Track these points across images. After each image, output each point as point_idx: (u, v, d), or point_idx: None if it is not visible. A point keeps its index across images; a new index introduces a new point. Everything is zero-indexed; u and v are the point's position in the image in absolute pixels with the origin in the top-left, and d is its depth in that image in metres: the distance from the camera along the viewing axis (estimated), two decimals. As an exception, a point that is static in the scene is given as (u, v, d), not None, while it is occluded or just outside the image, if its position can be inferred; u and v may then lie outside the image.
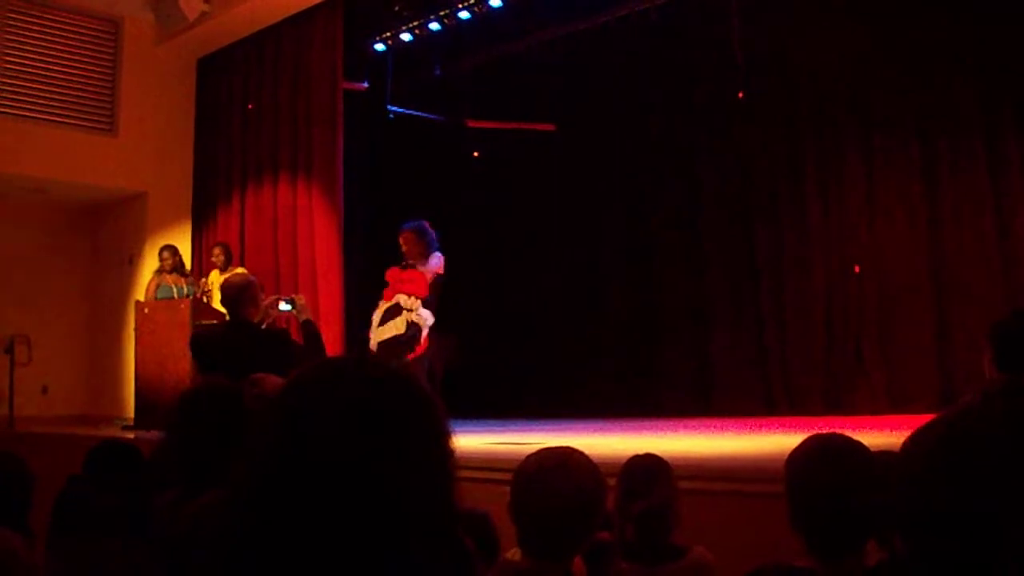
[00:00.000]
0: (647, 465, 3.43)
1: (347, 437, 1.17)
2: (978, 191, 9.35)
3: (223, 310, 6.33)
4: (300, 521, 1.15)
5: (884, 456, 2.49)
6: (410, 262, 8.27)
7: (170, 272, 10.69)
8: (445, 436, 1.26)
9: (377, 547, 1.15)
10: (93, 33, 11.85)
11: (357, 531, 1.15)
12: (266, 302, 6.11)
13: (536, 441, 6.80)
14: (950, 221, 9.52)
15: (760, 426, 8.68)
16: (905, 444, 2.04)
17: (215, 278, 10.38)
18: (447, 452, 1.25)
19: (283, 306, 6.13)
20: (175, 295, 10.38)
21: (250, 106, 11.64)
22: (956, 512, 1.86)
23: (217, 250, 10.86)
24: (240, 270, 10.27)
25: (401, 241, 8.33)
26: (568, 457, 2.56)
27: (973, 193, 9.38)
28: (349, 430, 1.18)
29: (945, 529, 1.87)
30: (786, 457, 2.54)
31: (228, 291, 5.94)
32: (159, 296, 10.42)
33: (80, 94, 11.70)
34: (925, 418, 2.07)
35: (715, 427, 8.78)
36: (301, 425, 1.20)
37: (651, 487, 3.27)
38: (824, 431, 2.62)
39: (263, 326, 5.95)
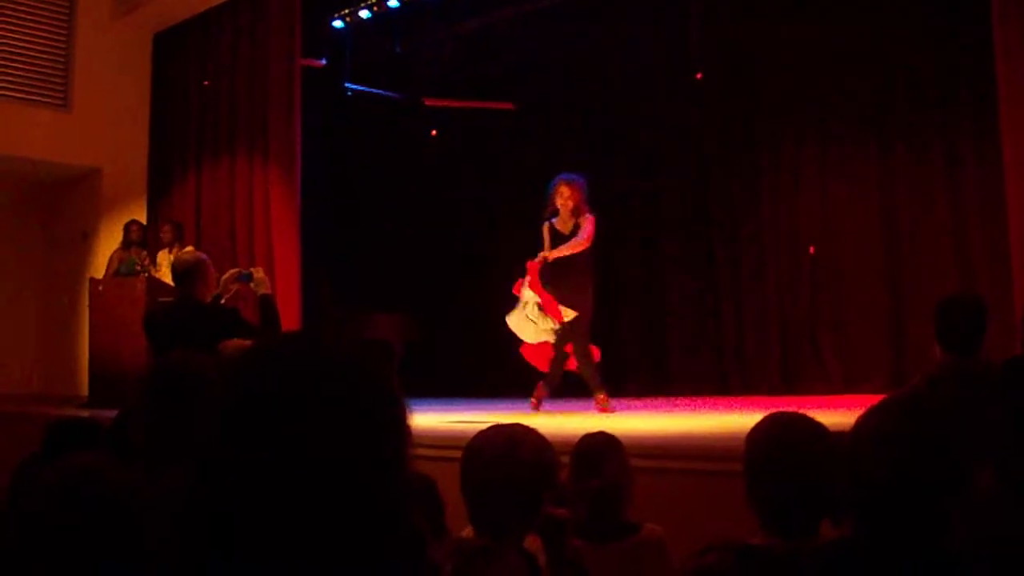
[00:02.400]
0: (599, 443, 3.47)
1: (286, 416, 1.17)
2: (933, 178, 9.43)
3: (178, 286, 6.29)
4: (240, 506, 1.14)
5: (840, 436, 2.53)
6: (575, 220, 8.28)
7: (139, 246, 10.62)
8: (395, 415, 1.26)
9: (321, 532, 1.15)
10: (47, 7, 11.69)
11: (297, 514, 1.14)
12: (225, 276, 6.08)
13: (492, 419, 6.82)
14: (904, 207, 9.60)
15: (715, 406, 8.74)
16: (854, 426, 2.08)
17: (163, 257, 10.33)
18: (396, 432, 1.25)
19: (243, 279, 6.09)
20: (138, 270, 10.31)
21: (206, 83, 11.55)
22: (902, 492, 1.90)
23: (167, 227, 10.79)
24: (189, 248, 10.22)
25: (562, 191, 8.32)
26: (516, 434, 2.57)
27: (928, 179, 9.46)
28: (288, 409, 1.17)
29: (891, 508, 1.91)
30: (741, 436, 2.57)
31: (177, 269, 5.92)
32: (122, 270, 10.33)
33: (34, 68, 11.56)
34: (877, 398, 2.11)
35: (670, 407, 8.85)
36: (241, 403, 1.19)
37: (602, 465, 3.30)
38: (783, 410, 2.65)
39: (222, 300, 5.93)
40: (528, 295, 8.41)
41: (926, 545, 1.88)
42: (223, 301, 5.95)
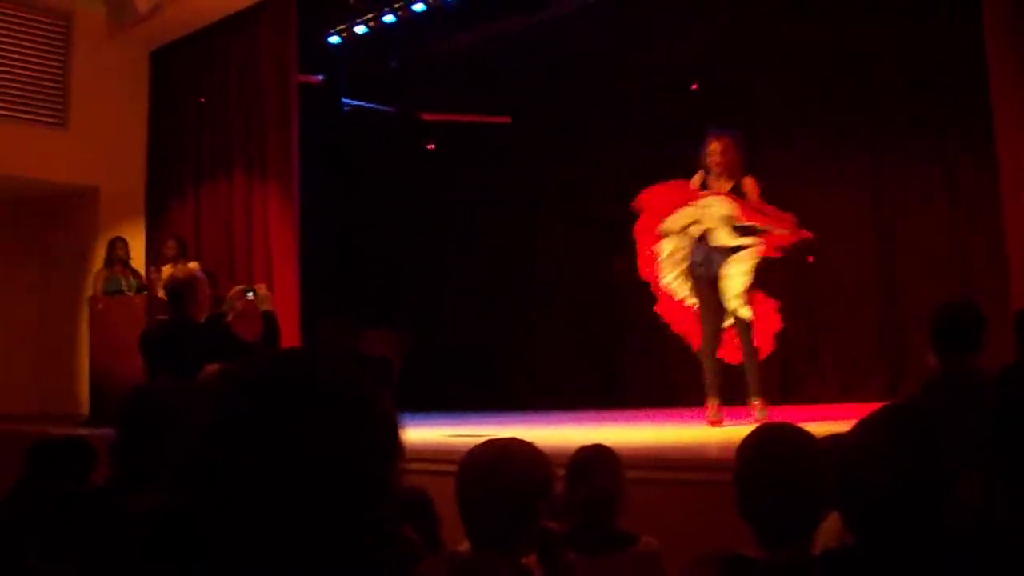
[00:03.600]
0: (591, 454, 3.48)
1: (277, 429, 1.18)
2: (928, 184, 9.45)
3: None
4: (228, 518, 1.15)
5: (831, 443, 2.53)
6: (733, 182, 7.12)
7: (123, 264, 10.63)
8: (387, 430, 1.26)
9: (309, 542, 1.15)
10: (44, 26, 11.71)
11: (286, 525, 1.15)
12: (230, 293, 6.10)
13: (490, 433, 6.82)
14: (899, 213, 9.63)
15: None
16: (851, 433, 2.09)
17: (167, 272, 10.34)
18: (387, 446, 1.26)
19: (249, 296, 6.11)
20: (123, 288, 10.33)
21: (201, 100, 11.57)
22: (899, 500, 1.91)
23: (171, 242, 10.81)
24: (193, 264, 10.22)
25: (713, 148, 7.26)
26: (510, 447, 2.58)
27: (923, 186, 9.48)
28: (280, 422, 1.18)
29: (888, 517, 1.92)
30: (736, 446, 2.57)
31: (169, 289, 5.93)
32: (107, 289, 10.35)
33: (30, 88, 11.56)
34: (874, 406, 2.12)
35: (668, 417, 8.84)
36: (235, 414, 1.20)
37: (593, 475, 3.31)
38: (774, 421, 2.65)
39: (228, 318, 5.93)
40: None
41: (920, 552, 1.88)
42: (229, 319, 5.96)
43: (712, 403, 7.27)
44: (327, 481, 1.17)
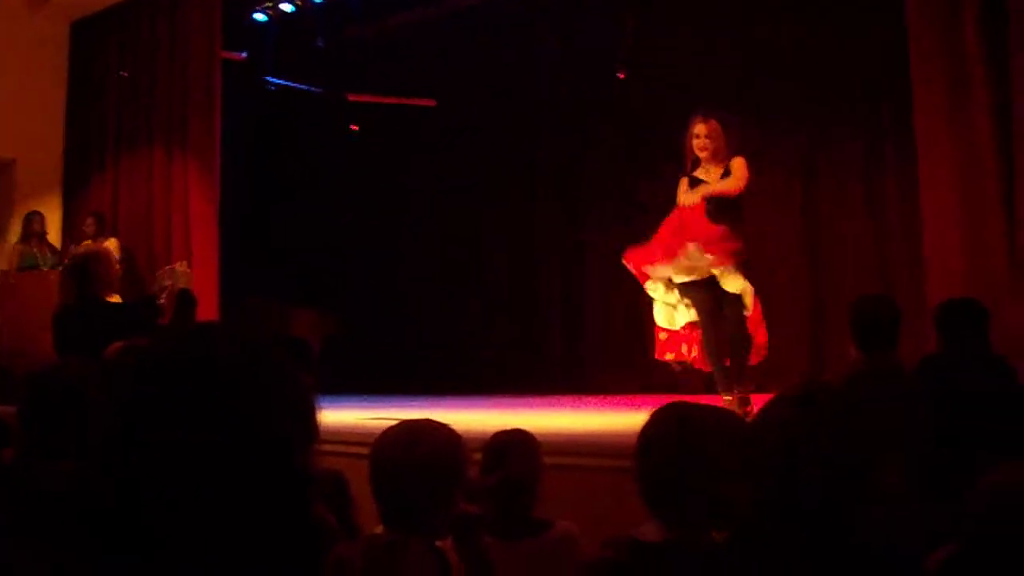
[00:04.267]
0: (508, 439, 3.46)
1: (180, 407, 1.14)
2: (854, 184, 9.61)
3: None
4: (131, 497, 1.12)
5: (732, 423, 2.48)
6: (724, 165, 6.60)
7: (39, 239, 10.43)
8: (301, 409, 1.23)
9: (219, 525, 1.13)
10: (-41, -6, 11.41)
11: (197, 506, 1.12)
12: (158, 273, 6.00)
13: (409, 416, 6.78)
14: (825, 211, 9.76)
15: (637, 404, 8.78)
16: (756, 416, 2.08)
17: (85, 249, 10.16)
18: (301, 425, 1.23)
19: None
20: (39, 263, 10.13)
21: (124, 73, 11.35)
22: (800, 484, 1.90)
23: (90, 220, 10.63)
24: (111, 241, 10.06)
25: (697, 130, 6.67)
26: (422, 429, 2.56)
27: (850, 183, 9.63)
28: (190, 401, 1.15)
29: (789, 500, 1.91)
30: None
31: (71, 267, 5.78)
32: (23, 264, 10.14)
33: (-55, 57, 11.27)
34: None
35: (592, 404, 8.88)
36: (135, 392, 1.17)
37: (509, 460, 3.29)
38: (678, 401, 2.58)
39: (161, 299, 5.82)
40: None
41: (827, 539, 1.88)
42: (162, 300, 5.84)
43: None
44: (237, 461, 1.14)
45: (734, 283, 6.54)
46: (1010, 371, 4.45)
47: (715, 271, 6.50)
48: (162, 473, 1.12)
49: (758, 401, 6.70)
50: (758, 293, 6.83)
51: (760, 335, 6.83)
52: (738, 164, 6.61)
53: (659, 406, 2.48)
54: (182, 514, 1.12)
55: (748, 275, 6.63)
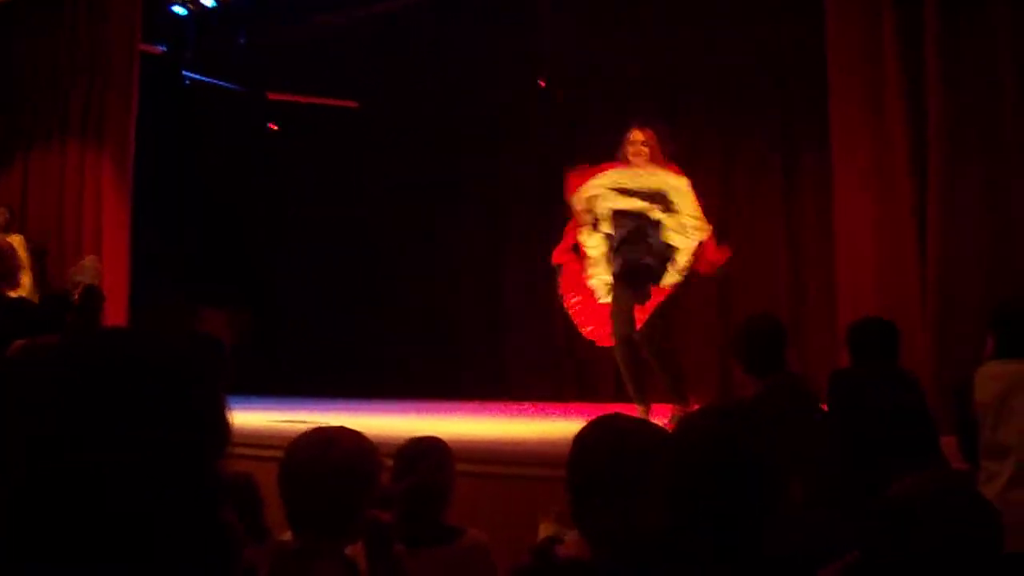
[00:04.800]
0: (420, 445, 3.43)
1: (89, 409, 1.12)
2: (772, 197, 9.71)
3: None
4: (50, 505, 1.10)
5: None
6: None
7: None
8: (210, 410, 1.21)
9: (128, 529, 1.10)
10: None
11: (105, 510, 1.10)
12: (72, 268, 5.86)
13: (321, 419, 6.72)
14: (744, 225, 9.84)
15: (551, 412, 8.82)
16: (674, 430, 2.09)
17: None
18: (211, 427, 1.20)
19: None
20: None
21: (37, 63, 11.11)
22: (713, 498, 1.92)
23: (2, 210, 10.39)
24: (16, 237, 9.84)
25: (637, 138, 6.77)
26: (334, 436, 2.53)
27: (767, 199, 9.73)
28: (99, 403, 1.12)
29: (703, 515, 1.92)
30: (569, 442, 2.50)
31: None
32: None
33: None
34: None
35: (510, 411, 8.89)
36: (52, 399, 1.14)
37: (419, 467, 3.26)
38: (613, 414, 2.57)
39: (76, 294, 5.68)
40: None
41: (736, 553, 1.89)
42: (76, 296, 5.71)
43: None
44: (148, 466, 1.12)
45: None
46: (917, 386, 4.53)
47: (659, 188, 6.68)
48: (68, 478, 1.09)
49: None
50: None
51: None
52: (684, 187, 6.80)
53: (596, 418, 2.47)
54: (90, 520, 1.09)
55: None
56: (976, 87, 6.54)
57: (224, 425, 1.23)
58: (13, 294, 5.62)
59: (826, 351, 6.08)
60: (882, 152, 6.84)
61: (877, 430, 4.05)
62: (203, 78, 11.73)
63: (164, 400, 1.16)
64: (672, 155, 7.01)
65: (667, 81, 10.24)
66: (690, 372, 9.52)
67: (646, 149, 6.79)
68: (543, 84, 10.24)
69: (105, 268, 9.60)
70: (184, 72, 11.51)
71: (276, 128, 12.26)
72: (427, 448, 3.43)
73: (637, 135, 6.81)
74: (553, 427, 7.17)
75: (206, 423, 1.20)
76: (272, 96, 12.15)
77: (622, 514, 2.26)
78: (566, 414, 8.44)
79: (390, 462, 3.20)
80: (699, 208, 6.81)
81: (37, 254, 10.06)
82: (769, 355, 4.44)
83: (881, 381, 4.36)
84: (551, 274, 9.05)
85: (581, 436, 2.39)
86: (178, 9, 11.07)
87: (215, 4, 10.95)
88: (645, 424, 2.53)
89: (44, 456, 1.10)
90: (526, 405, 9.63)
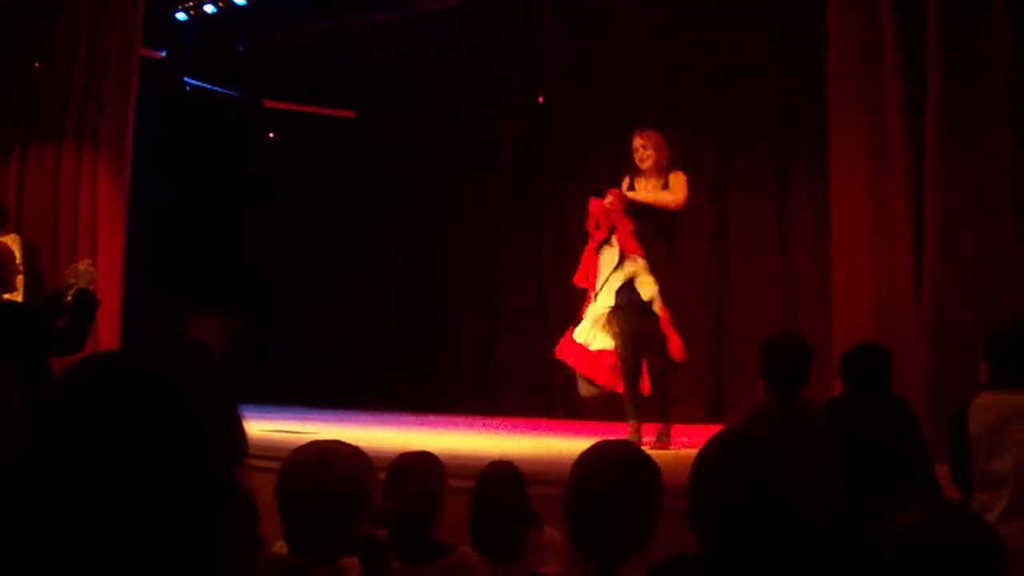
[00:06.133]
0: (412, 460, 3.42)
1: (110, 435, 1.12)
2: (764, 208, 9.71)
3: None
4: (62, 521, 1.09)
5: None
6: (663, 179, 6.77)
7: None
8: (229, 428, 1.22)
9: (148, 548, 1.10)
10: None
11: (128, 522, 1.10)
12: (65, 271, 5.81)
13: (313, 430, 6.72)
14: (738, 237, 9.85)
15: (538, 428, 8.82)
16: (699, 454, 2.11)
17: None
18: (229, 444, 1.21)
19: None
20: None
21: (36, 64, 11.10)
22: (747, 520, 1.93)
23: (-4, 209, 10.38)
24: (11, 237, 9.80)
25: (636, 145, 6.86)
26: (330, 450, 2.53)
27: (760, 209, 9.73)
28: (112, 429, 1.12)
29: (735, 535, 1.94)
30: (563, 460, 2.54)
31: None
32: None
33: None
34: (695, 428, 2.12)
35: (500, 427, 8.89)
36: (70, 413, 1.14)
37: (411, 482, 3.25)
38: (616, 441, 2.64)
39: (68, 297, 5.63)
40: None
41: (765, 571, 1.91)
42: (68, 298, 5.66)
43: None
44: (175, 483, 1.12)
45: (647, 285, 6.75)
46: (910, 413, 4.53)
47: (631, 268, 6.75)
48: (98, 496, 1.09)
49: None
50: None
51: (673, 339, 6.89)
52: (677, 179, 6.82)
53: (599, 443, 2.52)
54: (112, 534, 1.09)
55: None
56: (974, 103, 6.51)
57: (243, 443, 1.24)
58: (7, 296, 5.57)
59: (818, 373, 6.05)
60: (881, 173, 6.83)
61: (872, 458, 4.05)
62: (203, 84, 11.72)
63: (195, 423, 1.16)
64: (682, 160, 7.09)
65: (664, 87, 10.26)
66: (684, 388, 9.58)
67: (649, 152, 6.83)
68: (542, 100, 10.24)
69: (100, 269, 9.57)
70: (184, 77, 11.50)
71: (273, 136, 12.26)
72: (419, 463, 3.42)
73: (636, 141, 6.87)
74: (544, 444, 7.17)
75: (229, 442, 1.20)
76: (269, 104, 12.16)
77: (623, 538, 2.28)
78: (555, 431, 8.44)
79: (382, 475, 3.19)
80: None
81: (30, 253, 10.05)
82: (786, 374, 4.46)
83: (875, 409, 4.36)
84: (543, 289, 9.06)
85: (586, 462, 2.45)
86: (180, 15, 11.08)
87: (216, 10, 10.97)
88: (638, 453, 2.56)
89: (73, 476, 1.10)
90: (515, 420, 9.62)
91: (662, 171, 6.87)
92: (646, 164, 6.86)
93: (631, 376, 6.83)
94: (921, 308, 6.54)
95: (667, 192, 6.80)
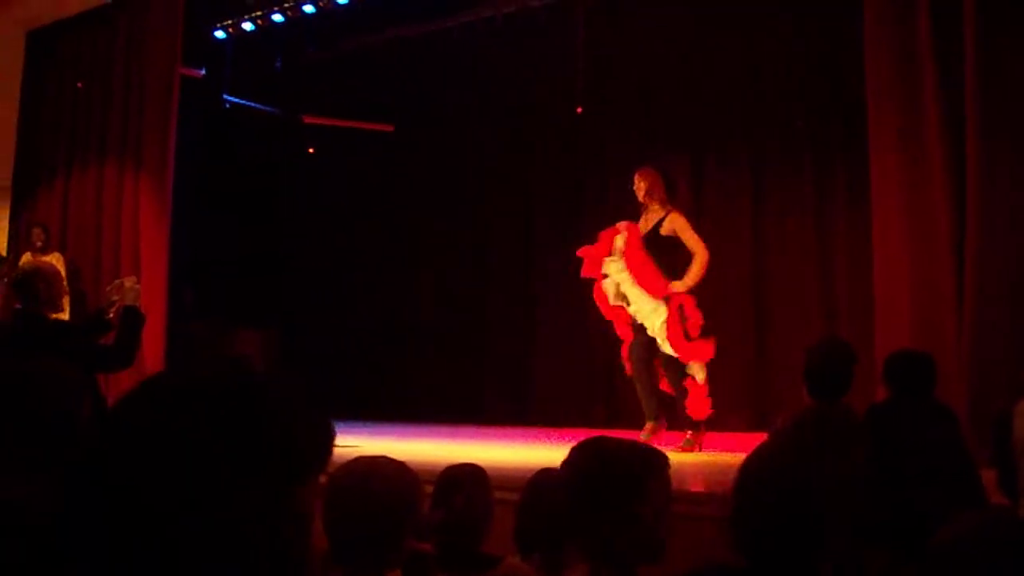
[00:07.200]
0: (458, 473, 3.43)
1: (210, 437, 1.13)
2: (803, 211, 9.65)
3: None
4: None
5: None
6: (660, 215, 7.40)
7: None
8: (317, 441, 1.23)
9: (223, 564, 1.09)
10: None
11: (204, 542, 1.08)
12: (108, 288, 5.85)
13: (357, 444, 6.74)
14: (774, 251, 9.80)
15: (583, 437, 8.77)
16: (744, 463, 2.12)
17: (27, 260, 10.01)
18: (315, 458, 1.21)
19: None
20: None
21: (79, 84, 11.24)
22: (775, 534, 1.94)
23: (37, 231, 10.51)
24: (55, 256, 9.93)
25: (635, 183, 7.55)
26: (376, 466, 2.54)
27: (798, 213, 9.67)
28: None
29: (774, 539, 1.94)
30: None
31: (13, 282, 5.63)
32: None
33: None
34: (738, 436, 2.13)
35: (539, 437, 8.87)
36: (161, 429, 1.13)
37: (457, 496, 3.27)
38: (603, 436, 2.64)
39: (111, 313, 5.67)
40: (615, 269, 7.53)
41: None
42: (111, 315, 5.70)
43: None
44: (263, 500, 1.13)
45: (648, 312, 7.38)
46: (954, 418, 4.50)
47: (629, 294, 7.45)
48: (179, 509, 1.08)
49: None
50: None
51: (694, 394, 7.55)
52: (684, 232, 7.44)
53: (583, 442, 2.54)
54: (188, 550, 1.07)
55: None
56: (1013, 93, 6.44)
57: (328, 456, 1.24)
58: (54, 316, 5.63)
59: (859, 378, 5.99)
60: (919, 167, 6.78)
61: (916, 465, 4.03)
62: (242, 101, 11.81)
63: (292, 438, 1.20)
64: (677, 189, 7.89)
65: (698, 101, 10.24)
66: (725, 393, 9.55)
67: (641, 186, 7.56)
68: (580, 111, 10.25)
69: (143, 287, 9.66)
70: (224, 95, 11.59)
71: (313, 152, 12.34)
72: (466, 476, 3.43)
73: (635, 180, 7.62)
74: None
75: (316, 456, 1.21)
76: (308, 119, 12.23)
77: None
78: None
79: (430, 488, 3.21)
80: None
81: (74, 272, 10.17)
82: (831, 380, 4.45)
83: (919, 415, 4.34)
84: (581, 300, 9.06)
85: (577, 460, 2.46)
86: (218, 33, 11.19)
87: (254, 28, 11.07)
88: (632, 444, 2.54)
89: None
90: (555, 430, 9.60)
91: (654, 199, 7.56)
92: (640, 196, 7.58)
93: (643, 388, 7.65)
94: (963, 310, 6.47)
95: (695, 260, 7.39)
